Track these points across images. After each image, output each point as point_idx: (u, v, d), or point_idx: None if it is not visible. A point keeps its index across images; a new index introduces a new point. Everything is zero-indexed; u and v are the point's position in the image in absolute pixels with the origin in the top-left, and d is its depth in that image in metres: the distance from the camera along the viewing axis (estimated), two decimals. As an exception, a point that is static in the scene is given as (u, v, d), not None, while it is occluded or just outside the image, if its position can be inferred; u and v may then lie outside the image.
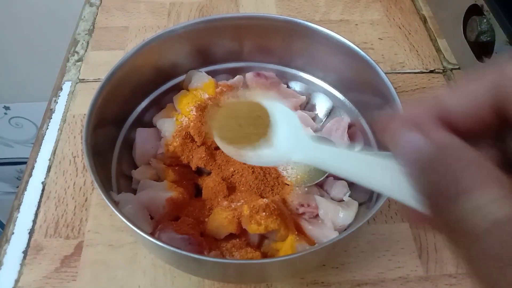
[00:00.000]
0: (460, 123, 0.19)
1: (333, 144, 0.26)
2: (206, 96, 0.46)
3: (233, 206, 0.39)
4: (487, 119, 0.19)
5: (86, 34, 0.62)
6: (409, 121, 0.20)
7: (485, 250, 0.16)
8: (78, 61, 0.58)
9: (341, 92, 0.48)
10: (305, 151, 0.28)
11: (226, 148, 0.31)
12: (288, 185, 0.41)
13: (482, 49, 0.47)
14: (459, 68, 0.58)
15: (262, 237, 0.39)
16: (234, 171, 0.41)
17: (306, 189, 0.41)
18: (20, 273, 0.40)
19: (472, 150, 0.18)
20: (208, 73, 0.49)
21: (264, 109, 0.32)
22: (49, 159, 0.48)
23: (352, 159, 0.24)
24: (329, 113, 0.49)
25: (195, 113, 0.43)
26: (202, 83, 0.47)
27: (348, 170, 0.24)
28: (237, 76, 0.49)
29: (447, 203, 0.17)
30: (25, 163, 0.49)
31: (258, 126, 0.31)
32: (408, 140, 0.19)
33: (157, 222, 0.38)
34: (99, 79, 0.56)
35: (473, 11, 0.47)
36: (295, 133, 0.29)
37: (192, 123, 0.42)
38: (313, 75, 0.49)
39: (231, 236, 0.38)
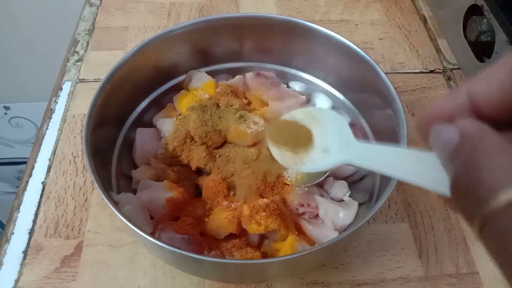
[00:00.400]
0: (489, 110, 0.19)
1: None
2: (206, 96, 0.46)
3: (233, 206, 0.39)
4: None
5: (86, 34, 0.62)
6: (440, 114, 0.20)
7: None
8: (78, 61, 0.58)
9: (341, 92, 0.48)
10: (357, 152, 0.28)
11: (283, 159, 0.32)
12: (288, 185, 0.41)
13: (482, 49, 0.47)
14: (459, 68, 0.58)
15: (262, 237, 0.39)
16: (234, 171, 0.41)
17: (306, 189, 0.41)
18: (20, 273, 0.40)
19: (496, 134, 0.17)
20: (208, 73, 0.49)
21: (304, 127, 0.33)
22: (49, 159, 0.48)
23: (402, 156, 0.24)
24: (329, 113, 0.49)
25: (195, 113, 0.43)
26: (202, 83, 0.47)
27: (399, 168, 0.24)
28: (237, 76, 0.49)
29: (476, 199, 0.16)
30: (25, 163, 0.49)
31: (308, 136, 0.32)
32: (436, 131, 0.19)
33: (157, 222, 0.38)
34: (99, 79, 0.56)
35: (473, 11, 0.47)
36: (346, 137, 0.30)
37: (192, 123, 0.42)
38: (313, 75, 0.49)
39: (231, 236, 0.38)
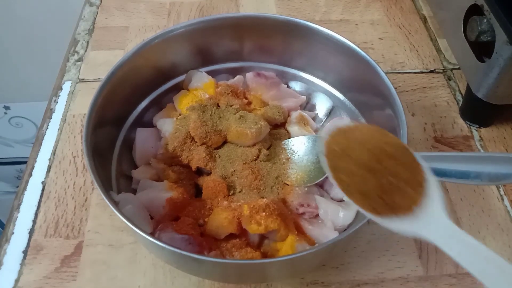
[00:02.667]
0: None
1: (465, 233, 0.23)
2: (206, 96, 0.46)
3: (233, 206, 0.39)
4: None
5: (86, 34, 0.62)
6: None
7: None
8: (78, 61, 0.58)
9: (341, 92, 0.48)
10: (442, 232, 0.23)
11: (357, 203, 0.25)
12: (288, 185, 0.41)
13: (482, 49, 0.47)
14: (459, 68, 0.58)
15: (262, 237, 0.39)
16: (234, 171, 0.41)
17: (306, 189, 0.41)
18: (20, 273, 0.40)
19: None
20: (208, 73, 0.49)
21: (410, 154, 0.25)
22: (49, 159, 0.48)
23: (486, 260, 0.22)
24: (329, 113, 0.49)
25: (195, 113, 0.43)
26: (202, 83, 0.47)
27: (478, 271, 0.21)
28: (237, 76, 0.49)
29: None
30: (25, 163, 0.49)
31: (408, 183, 0.25)
32: None
33: (157, 222, 0.38)
34: (99, 79, 0.56)
35: (473, 11, 0.47)
36: (436, 205, 0.24)
37: (192, 123, 0.42)
38: (313, 75, 0.49)
39: (231, 236, 0.38)
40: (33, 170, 0.48)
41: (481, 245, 0.22)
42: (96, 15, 0.64)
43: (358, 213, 0.40)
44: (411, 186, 0.25)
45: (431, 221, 0.24)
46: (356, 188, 0.25)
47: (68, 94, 0.54)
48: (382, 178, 0.25)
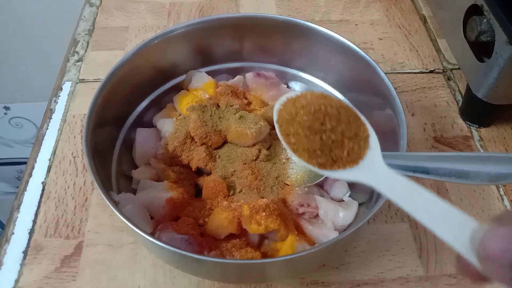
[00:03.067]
0: None
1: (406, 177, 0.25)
2: (206, 96, 0.46)
3: (233, 206, 0.39)
4: None
5: (86, 34, 0.62)
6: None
7: None
8: (78, 61, 0.58)
9: (341, 92, 0.48)
10: (380, 177, 0.26)
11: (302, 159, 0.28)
12: (288, 185, 0.41)
13: (482, 49, 0.47)
14: (459, 68, 0.58)
15: (262, 237, 0.39)
16: (234, 171, 0.41)
17: (306, 189, 0.41)
18: (20, 273, 0.40)
19: None
20: (208, 73, 0.49)
21: (353, 113, 0.29)
22: (49, 159, 0.48)
23: (423, 199, 0.24)
24: (329, 113, 0.49)
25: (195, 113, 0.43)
26: (202, 83, 0.47)
27: (416, 209, 0.23)
28: (237, 76, 0.49)
29: None
30: (25, 163, 0.49)
31: (354, 139, 0.28)
32: (487, 236, 0.18)
33: (157, 222, 0.38)
34: (99, 79, 0.56)
35: (473, 11, 0.47)
36: (377, 156, 0.28)
37: (192, 123, 0.42)
38: (313, 75, 0.49)
39: (231, 236, 0.38)
40: (33, 170, 0.48)
41: (415, 184, 0.25)
42: (96, 15, 0.64)
43: (358, 213, 0.40)
44: (355, 142, 0.28)
45: (373, 170, 0.27)
46: (304, 148, 0.28)
47: (68, 94, 0.54)
48: (326, 137, 0.28)
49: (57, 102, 0.54)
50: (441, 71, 0.58)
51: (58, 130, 0.51)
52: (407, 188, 0.25)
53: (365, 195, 0.41)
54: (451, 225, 0.22)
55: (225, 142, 0.43)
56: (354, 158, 0.28)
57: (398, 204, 0.24)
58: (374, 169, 0.27)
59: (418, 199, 0.24)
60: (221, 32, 0.47)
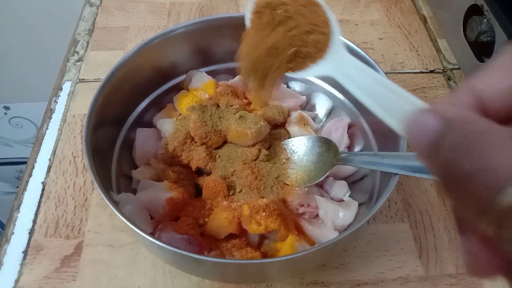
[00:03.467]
0: (496, 107, 0.17)
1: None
2: (206, 96, 0.46)
3: (233, 206, 0.39)
4: None
5: (86, 34, 0.62)
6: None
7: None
8: (78, 61, 0.58)
9: (341, 92, 0.48)
10: (338, 62, 0.26)
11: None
12: (288, 185, 0.41)
13: (482, 49, 0.47)
14: (459, 68, 0.58)
15: (262, 237, 0.39)
16: (234, 171, 0.41)
17: (306, 189, 0.41)
18: (20, 273, 0.40)
19: (483, 119, 0.15)
20: (208, 73, 0.49)
21: (320, 8, 0.29)
22: (49, 159, 0.48)
23: (372, 79, 0.24)
24: (329, 113, 0.49)
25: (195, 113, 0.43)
26: (202, 83, 0.47)
27: (365, 90, 0.24)
28: (237, 76, 0.49)
29: (485, 190, 0.14)
30: (25, 163, 0.49)
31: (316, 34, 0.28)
32: (412, 121, 0.17)
33: (157, 222, 0.38)
34: (99, 79, 0.56)
35: (473, 11, 0.47)
36: (341, 48, 0.28)
37: (192, 123, 0.42)
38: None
39: (231, 236, 0.38)
40: (33, 170, 0.48)
41: (370, 69, 0.25)
42: (96, 15, 0.64)
43: (358, 213, 0.40)
44: (318, 31, 0.28)
45: (339, 61, 0.27)
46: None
47: (68, 94, 0.54)
48: (287, 38, 0.28)
49: (57, 102, 0.54)
50: (441, 71, 0.58)
51: (58, 130, 0.51)
52: (366, 74, 0.25)
53: (365, 195, 0.41)
54: (398, 108, 0.22)
55: (225, 142, 0.43)
56: (321, 47, 0.28)
57: (357, 95, 0.25)
58: (339, 58, 0.27)
59: (376, 87, 0.24)
60: (221, 32, 0.47)
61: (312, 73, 0.28)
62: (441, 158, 0.15)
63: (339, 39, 0.28)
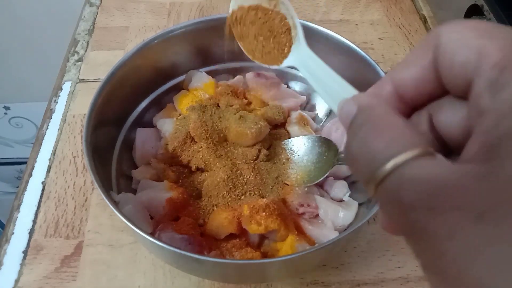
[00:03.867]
0: (409, 94, 0.20)
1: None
2: (206, 96, 0.46)
3: (233, 206, 0.39)
4: (433, 90, 0.19)
5: (86, 34, 0.62)
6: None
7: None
8: (78, 61, 0.58)
9: (341, 92, 0.48)
10: (301, 56, 0.30)
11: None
12: (288, 185, 0.41)
13: (482, 49, 0.47)
14: (459, 68, 0.58)
15: (262, 237, 0.39)
16: (234, 171, 0.41)
17: (306, 189, 0.41)
18: (20, 273, 0.40)
19: (385, 106, 0.18)
20: (208, 73, 0.49)
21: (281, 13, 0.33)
22: (49, 159, 0.48)
23: (322, 70, 0.27)
24: (329, 113, 0.49)
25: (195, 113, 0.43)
26: (202, 83, 0.47)
27: (316, 79, 0.27)
28: (237, 76, 0.49)
29: (367, 165, 0.17)
30: (25, 163, 0.49)
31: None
32: (340, 105, 0.21)
33: (157, 222, 0.38)
34: (99, 79, 0.56)
35: (473, 11, 0.47)
36: (303, 42, 0.32)
37: (192, 123, 0.42)
38: (313, 75, 0.49)
39: (231, 236, 0.38)
40: (33, 170, 0.47)
41: (322, 62, 0.28)
42: (96, 15, 0.64)
43: (358, 213, 0.40)
44: (285, 34, 0.33)
45: (300, 54, 0.31)
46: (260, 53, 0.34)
47: (68, 94, 0.54)
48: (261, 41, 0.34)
49: (57, 102, 0.54)
50: (441, 71, 0.58)
51: (58, 130, 0.51)
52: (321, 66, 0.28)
53: (365, 195, 0.41)
54: (338, 95, 0.24)
55: (225, 142, 0.43)
56: (282, 48, 0.33)
57: (310, 83, 0.28)
58: (300, 52, 0.31)
59: (325, 77, 0.27)
60: (221, 32, 0.47)
61: (283, 65, 0.33)
62: (348, 137, 0.19)
63: (301, 37, 0.32)
